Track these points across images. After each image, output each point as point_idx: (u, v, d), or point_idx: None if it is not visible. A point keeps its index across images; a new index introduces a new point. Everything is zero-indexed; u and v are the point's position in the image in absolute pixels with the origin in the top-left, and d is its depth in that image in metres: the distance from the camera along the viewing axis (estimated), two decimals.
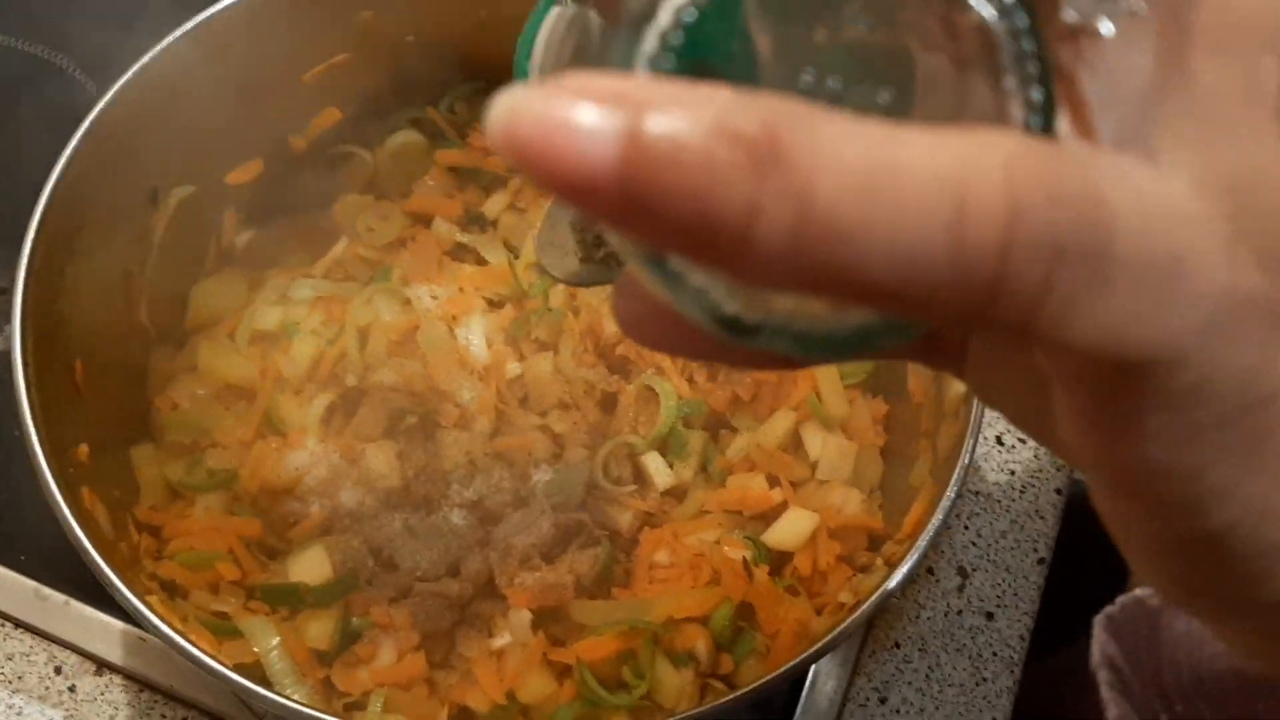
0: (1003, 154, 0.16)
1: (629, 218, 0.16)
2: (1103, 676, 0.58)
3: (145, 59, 0.65)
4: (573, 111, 0.15)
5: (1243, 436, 0.19)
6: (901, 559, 0.54)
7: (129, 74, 0.64)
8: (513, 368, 0.74)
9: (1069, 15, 0.18)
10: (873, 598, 0.53)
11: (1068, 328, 0.17)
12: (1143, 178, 0.17)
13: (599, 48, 0.21)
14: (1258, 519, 0.19)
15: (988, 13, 0.18)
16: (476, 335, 0.74)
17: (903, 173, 0.16)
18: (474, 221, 0.81)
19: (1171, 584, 0.22)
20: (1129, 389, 0.18)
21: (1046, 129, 0.18)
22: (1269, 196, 0.18)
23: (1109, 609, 0.65)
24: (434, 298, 0.76)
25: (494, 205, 0.81)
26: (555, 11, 0.23)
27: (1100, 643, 0.59)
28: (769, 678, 0.52)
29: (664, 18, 0.17)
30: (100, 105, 0.63)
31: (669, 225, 0.16)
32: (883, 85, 0.19)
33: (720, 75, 0.18)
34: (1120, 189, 0.17)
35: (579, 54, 0.21)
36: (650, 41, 0.17)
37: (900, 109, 0.19)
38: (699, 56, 0.17)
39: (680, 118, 0.15)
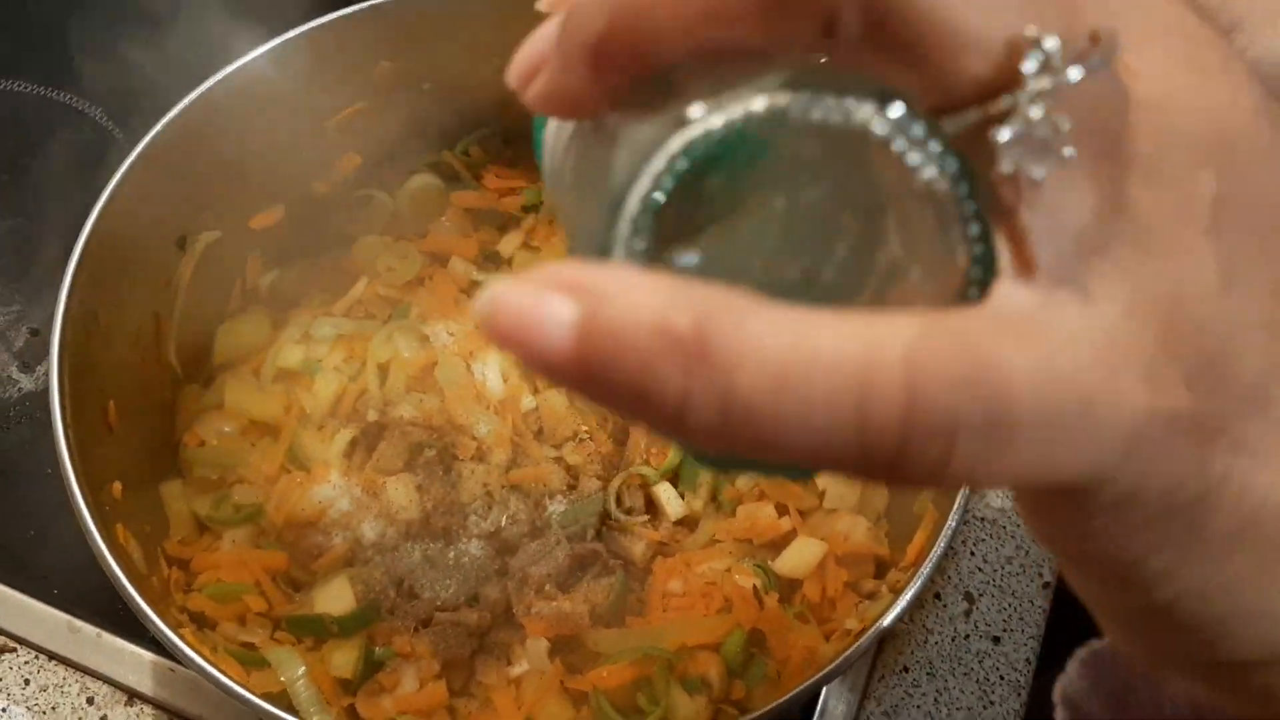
0: (903, 343, 0.18)
1: (585, 393, 0.19)
2: (1060, 715, 0.58)
3: (174, 112, 0.68)
4: (537, 310, 0.18)
5: (1178, 529, 0.20)
6: (905, 586, 0.56)
7: (159, 126, 0.67)
8: (528, 401, 0.76)
9: (1005, 167, 0.19)
10: (876, 625, 0.55)
11: (977, 478, 0.19)
12: (1054, 331, 0.19)
13: (596, 188, 0.23)
14: (1199, 596, 0.21)
15: (931, 175, 0.19)
16: (492, 370, 0.76)
17: (815, 365, 0.18)
18: (489, 260, 0.83)
19: (1136, 648, 0.24)
20: (1061, 503, 0.20)
21: (985, 281, 0.20)
22: (1197, 312, 0.19)
23: (1094, 643, 0.66)
24: (451, 334, 0.78)
25: (508, 244, 0.84)
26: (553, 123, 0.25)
27: (1065, 680, 0.60)
28: (778, 703, 0.54)
29: (639, 192, 0.20)
30: (132, 156, 0.66)
31: (617, 403, 0.19)
32: (837, 244, 0.21)
33: (690, 238, 0.20)
34: (1025, 352, 0.18)
35: (581, 174, 0.23)
36: (631, 207, 0.20)
37: (851, 268, 0.21)
38: (671, 230, 0.20)
39: (625, 318, 0.18)
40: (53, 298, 0.63)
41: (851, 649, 0.54)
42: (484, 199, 0.83)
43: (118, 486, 0.63)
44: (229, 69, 0.69)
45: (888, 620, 0.55)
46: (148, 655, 0.73)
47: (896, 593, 0.57)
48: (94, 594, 0.75)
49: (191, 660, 0.52)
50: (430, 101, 0.79)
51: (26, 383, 0.85)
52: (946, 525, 0.57)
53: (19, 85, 0.96)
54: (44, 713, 0.72)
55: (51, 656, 0.74)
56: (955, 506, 0.58)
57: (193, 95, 0.68)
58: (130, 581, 0.55)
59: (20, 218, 0.92)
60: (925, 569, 0.56)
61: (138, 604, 0.53)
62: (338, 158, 0.79)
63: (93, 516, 0.56)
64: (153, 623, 0.53)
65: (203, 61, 0.71)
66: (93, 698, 0.73)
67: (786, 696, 0.54)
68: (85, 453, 0.60)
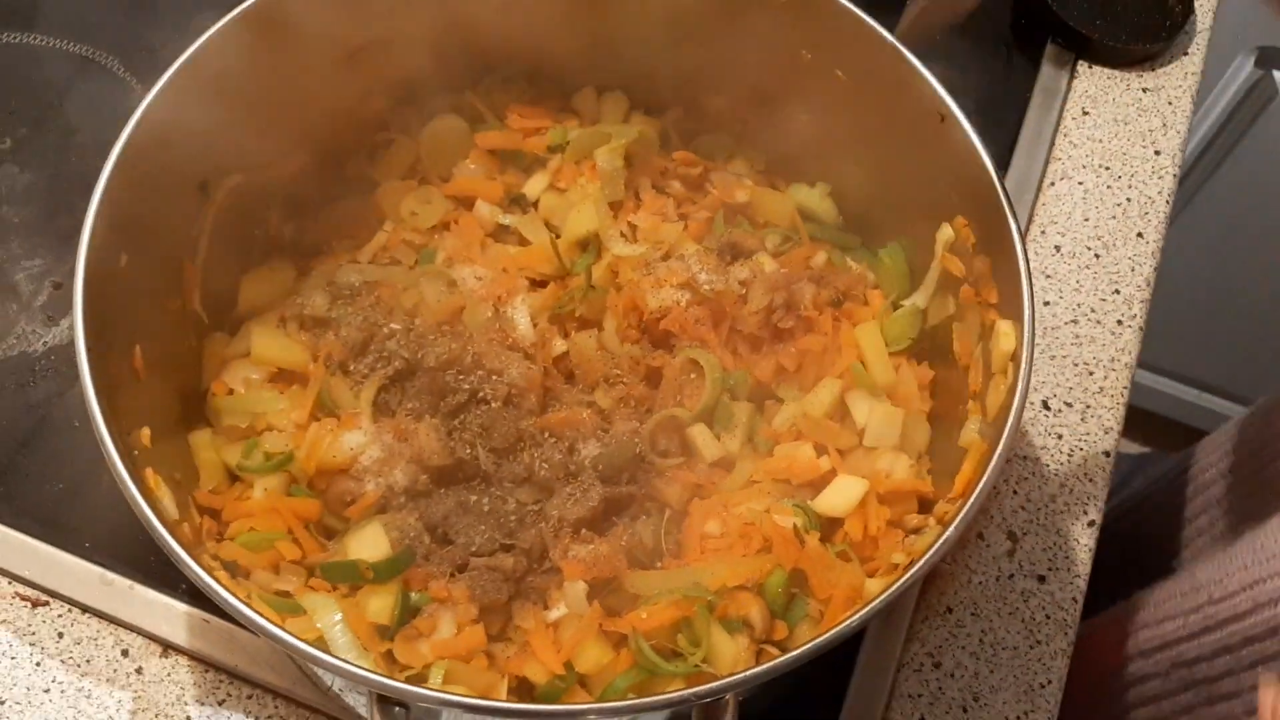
0: None
1: None
2: None
3: (189, 53, 0.66)
4: None
5: None
6: (955, 516, 0.55)
7: (173, 68, 0.65)
8: (558, 345, 0.75)
9: None
10: (930, 553, 0.53)
11: None
12: None
13: None
14: None
15: None
16: (522, 314, 0.75)
17: None
18: (515, 203, 0.82)
19: None
20: None
21: None
22: None
23: None
24: (478, 278, 0.77)
25: (534, 186, 0.82)
26: None
27: None
28: (819, 640, 0.52)
29: None
30: (147, 100, 0.64)
31: None
32: None
33: None
34: None
35: None
36: None
37: None
38: None
39: None
40: (75, 250, 0.61)
41: (901, 580, 0.53)
42: (509, 139, 0.81)
43: (146, 433, 0.62)
44: (242, 7, 0.67)
45: (938, 549, 0.54)
46: (181, 606, 0.72)
47: (945, 524, 0.55)
48: (126, 546, 0.74)
49: (227, 602, 0.51)
50: (449, 41, 0.77)
51: (51, 337, 0.84)
52: (997, 451, 0.56)
53: (35, 39, 0.94)
54: (79, 665, 0.71)
55: (85, 609, 0.73)
56: (1006, 432, 0.56)
57: (204, 37, 0.66)
58: (163, 525, 0.54)
59: (41, 172, 0.91)
60: (977, 492, 0.54)
61: (169, 544, 0.52)
62: (357, 101, 0.77)
63: (123, 461, 0.55)
64: (185, 564, 0.52)
65: (220, 11, 0.69)
66: (127, 650, 0.72)
67: (828, 634, 0.53)
68: (113, 399, 0.58)
